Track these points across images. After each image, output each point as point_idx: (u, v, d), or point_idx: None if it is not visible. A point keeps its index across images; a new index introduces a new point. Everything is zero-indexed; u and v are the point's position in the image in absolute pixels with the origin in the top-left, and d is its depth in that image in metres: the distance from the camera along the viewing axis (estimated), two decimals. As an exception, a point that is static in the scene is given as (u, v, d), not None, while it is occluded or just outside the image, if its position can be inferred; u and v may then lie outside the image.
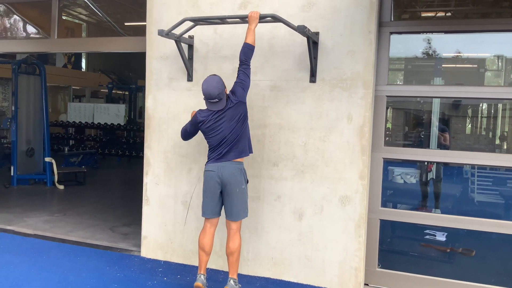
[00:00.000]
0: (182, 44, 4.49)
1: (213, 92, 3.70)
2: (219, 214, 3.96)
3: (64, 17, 10.19)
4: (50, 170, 9.12)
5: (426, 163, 5.38)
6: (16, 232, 5.73)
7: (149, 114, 4.90)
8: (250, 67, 3.87)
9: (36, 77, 9.37)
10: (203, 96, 3.80)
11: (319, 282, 4.29)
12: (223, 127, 3.78)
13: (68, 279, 4.26)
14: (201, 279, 3.81)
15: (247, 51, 3.80)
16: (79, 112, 14.94)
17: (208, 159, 3.92)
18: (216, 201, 3.87)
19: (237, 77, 3.85)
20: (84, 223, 6.32)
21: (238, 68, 3.86)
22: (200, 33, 4.56)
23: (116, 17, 8.75)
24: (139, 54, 5.24)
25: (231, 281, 3.84)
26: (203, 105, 4.03)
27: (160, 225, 4.89)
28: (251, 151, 4.00)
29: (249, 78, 3.86)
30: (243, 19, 3.97)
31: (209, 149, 3.93)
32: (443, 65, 5.24)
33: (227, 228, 3.94)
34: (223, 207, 3.94)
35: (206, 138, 3.93)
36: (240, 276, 4.36)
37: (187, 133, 4.08)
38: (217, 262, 4.62)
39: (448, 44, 4.94)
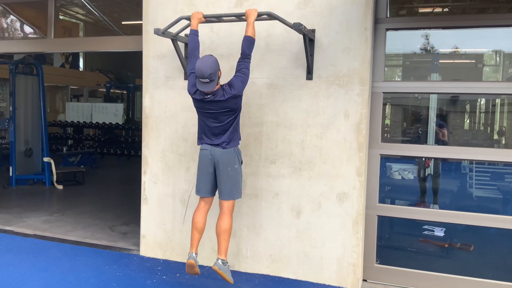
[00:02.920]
0: (179, 42, 4.49)
1: (205, 71, 3.58)
2: (213, 194, 3.97)
3: (61, 17, 10.19)
4: (49, 170, 9.13)
5: (424, 159, 5.39)
6: (16, 233, 5.74)
7: (146, 113, 4.90)
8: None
9: (34, 77, 9.36)
10: (195, 74, 3.69)
11: (318, 278, 4.31)
12: (213, 116, 3.77)
13: (67, 278, 4.27)
14: (193, 256, 3.80)
15: (249, 44, 3.77)
16: (77, 111, 14.95)
17: (199, 140, 3.95)
18: (209, 179, 3.89)
19: (238, 70, 3.78)
20: (83, 222, 6.33)
21: (239, 60, 3.80)
22: (197, 31, 4.56)
23: (113, 16, 8.75)
24: (137, 53, 5.23)
25: (219, 261, 3.78)
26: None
27: (159, 224, 4.90)
28: (240, 139, 3.98)
29: (249, 71, 3.83)
30: (239, 17, 3.97)
31: (199, 131, 3.94)
32: (440, 61, 5.24)
33: (219, 207, 3.92)
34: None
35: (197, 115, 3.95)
36: (239, 273, 4.39)
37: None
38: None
39: (445, 40, 4.93)
